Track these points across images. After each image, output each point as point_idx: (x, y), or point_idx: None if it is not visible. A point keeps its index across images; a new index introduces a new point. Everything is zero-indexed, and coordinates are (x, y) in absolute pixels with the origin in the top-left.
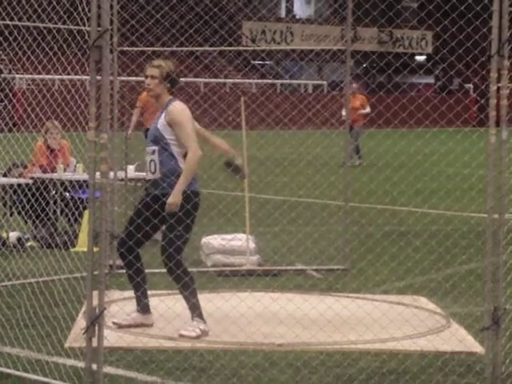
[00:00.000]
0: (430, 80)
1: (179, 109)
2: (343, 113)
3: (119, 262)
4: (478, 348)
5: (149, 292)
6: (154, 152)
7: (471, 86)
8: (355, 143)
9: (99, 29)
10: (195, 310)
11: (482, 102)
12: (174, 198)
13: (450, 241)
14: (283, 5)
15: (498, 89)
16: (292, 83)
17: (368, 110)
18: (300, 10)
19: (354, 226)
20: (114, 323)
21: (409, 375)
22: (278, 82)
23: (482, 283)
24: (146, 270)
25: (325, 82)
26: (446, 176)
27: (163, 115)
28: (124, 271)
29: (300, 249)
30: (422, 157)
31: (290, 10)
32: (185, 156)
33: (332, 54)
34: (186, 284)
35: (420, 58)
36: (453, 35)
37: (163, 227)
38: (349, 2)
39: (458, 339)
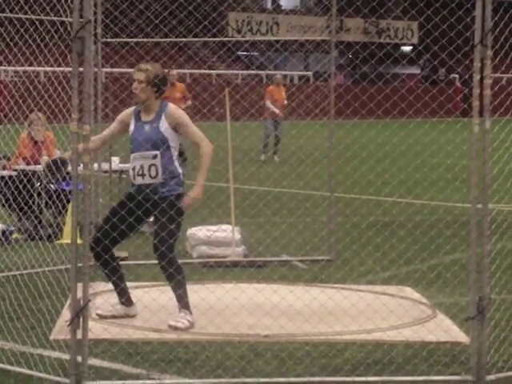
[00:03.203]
0: (416, 70)
1: (180, 111)
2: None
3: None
4: (463, 338)
5: (134, 283)
6: (155, 156)
7: (457, 76)
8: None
9: (81, 20)
10: (182, 301)
11: (466, 91)
12: (199, 191)
13: (435, 231)
14: None
15: (482, 79)
16: (277, 74)
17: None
18: (285, 0)
19: (339, 216)
20: (98, 315)
21: (394, 365)
22: (264, 72)
23: (466, 273)
24: (132, 262)
25: (310, 73)
26: (430, 166)
27: (163, 119)
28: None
29: (285, 240)
30: (406, 147)
31: (275, 1)
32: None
33: (317, 44)
34: (178, 281)
35: (405, 48)
36: (437, 25)
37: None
38: None
39: (443, 329)
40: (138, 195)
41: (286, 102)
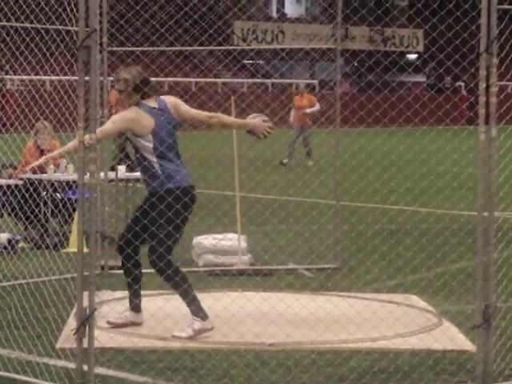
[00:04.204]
0: (421, 78)
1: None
2: (291, 117)
3: (110, 262)
4: (469, 346)
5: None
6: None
7: (462, 84)
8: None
9: (87, 29)
10: (192, 306)
11: (472, 99)
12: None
13: (441, 239)
14: (274, 4)
15: (488, 87)
16: (283, 82)
17: (316, 108)
18: (290, 9)
19: (345, 224)
20: (109, 322)
21: (400, 374)
22: (269, 81)
23: (472, 281)
24: None
25: (316, 81)
26: (436, 174)
27: (171, 112)
28: (115, 272)
29: (291, 248)
30: (412, 155)
31: (280, 10)
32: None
33: (322, 52)
34: (177, 283)
35: (411, 57)
36: (442, 33)
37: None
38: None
39: (449, 337)
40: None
41: (309, 110)
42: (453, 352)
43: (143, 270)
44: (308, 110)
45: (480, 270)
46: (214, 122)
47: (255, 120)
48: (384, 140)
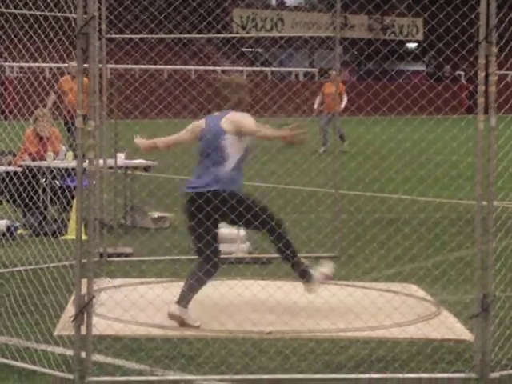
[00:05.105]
0: (421, 67)
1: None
2: (316, 102)
3: (109, 249)
4: (467, 335)
5: (138, 280)
6: None
7: (462, 72)
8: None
9: (86, 16)
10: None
11: (471, 88)
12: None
13: (439, 228)
14: None
15: (487, 75)
16: (282, 70)
17: (345, 99)
18: None
19: (344, 213)
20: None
21: (398, 363)
22: (268, 69)
23: (471, 270)
24: (136, 258)
25: (315, 70)
26: (435, 163)
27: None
28: (113, 259)
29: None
30: (411, 144)
31: None
32: None
33: (321, 40)
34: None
35: (410, 45)
36: (441, 22)
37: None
38: None
39: (448, 326)
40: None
41: (343, 104)
42: (451, 341)
43: (143, 258)
44: (342, 105)
45: (479, 259)
46: (260, 136)
47: (290, 130)
48: (383, 128)
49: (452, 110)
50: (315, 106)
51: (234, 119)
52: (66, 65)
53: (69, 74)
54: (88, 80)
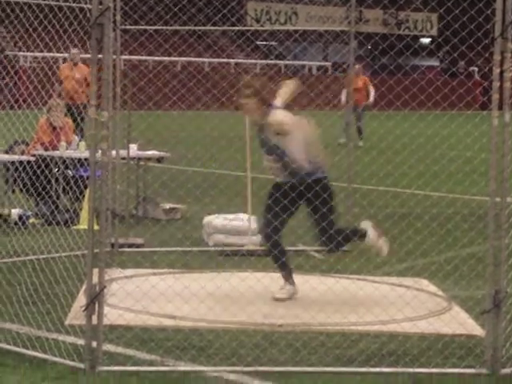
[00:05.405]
0: (435, 62)
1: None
2: (343, 96)
3: (121, 240)
4: (478, 331)
5: (149, 270)
6: None
7: (476, 68)
8: (358, 124)
9: (101, 7)
10: (287, 277)
11: (485, 84)
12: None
13: (452, 223)
14: None
15: (502, 71)
16: (296, 64)
17: (373, 92)
18: None
19: (356, 207)
20: (277, 299)
21: (408, 357)
22: (282, 62)
23: (483, 266)
24: (148, 249)
25: (329, 63)
26: (449, 159)
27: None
28: (125, 249)
29: (301, 229)
30: (425, 139)
31: None
32: None
33: (336, 35)
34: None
35: (424, 40)
36: (456, 17)
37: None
38: None
39: (459, 322)
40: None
41: (371, 98)
42: (462, 336)
43: (154, 249)
44: (371, 99)
45: (491, 255)
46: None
47: None
48: (397, 123)
49: (466, 105)
50: (343, 100)
51: None
52: (80, 55)
53: (71, 60)
54: (87, 68)
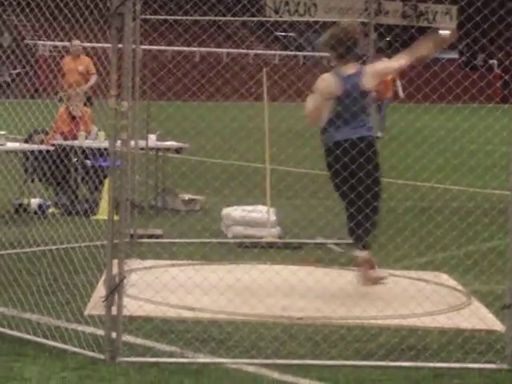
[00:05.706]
0: (454, 55)
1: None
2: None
3: (140, 231)
4: (498, 326)
5: (168, 262)
6: None
7: (495, 61)
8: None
9: None
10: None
11: (506, 77)
12: None
13: (472, 217)
14: None
15: None
16: (315, 55)
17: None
18: None
19: None
20: (382, 278)
21: (428, 352)
22: (301, 53)
23: (503, 261)
24: (167, 240)
25: None
26: (469, 152)
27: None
28: (144, 240)
29: (321, 222)
30: (445, 132)
31: None
32: None
33: None
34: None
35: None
36: (477, 10)
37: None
38: None
39: (479, 317)
40: None
41: (400, 91)
42: (482, 332)
43: (174, 240)
44: (400, 92)
45: (511, 250)
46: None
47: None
48: (417, 116)
49: (486, 98)
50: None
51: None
52: (100, 45)
53: (66, 52)
54: (89, 59)
